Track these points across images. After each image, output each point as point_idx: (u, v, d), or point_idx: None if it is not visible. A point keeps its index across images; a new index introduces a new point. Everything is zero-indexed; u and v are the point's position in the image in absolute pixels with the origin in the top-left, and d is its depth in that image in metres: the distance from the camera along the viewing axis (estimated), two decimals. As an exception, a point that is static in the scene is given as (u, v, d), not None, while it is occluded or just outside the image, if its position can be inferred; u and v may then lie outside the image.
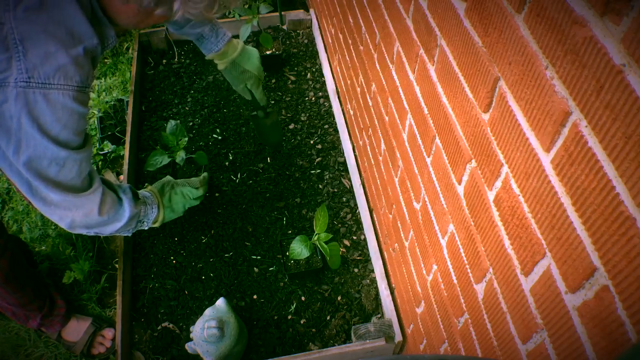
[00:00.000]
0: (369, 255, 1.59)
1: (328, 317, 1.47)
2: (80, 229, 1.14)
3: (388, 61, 1.13)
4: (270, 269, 1.58)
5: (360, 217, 1.67)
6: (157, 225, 1.36)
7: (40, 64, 0.87)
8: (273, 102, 2.05)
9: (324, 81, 2.09)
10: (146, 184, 1.34)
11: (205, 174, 1.58)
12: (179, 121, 1.74)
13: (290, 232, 1.65)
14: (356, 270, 1.56)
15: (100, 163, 2.07)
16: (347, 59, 1.67)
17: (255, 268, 1.58)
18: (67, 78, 0.90)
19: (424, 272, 1.08)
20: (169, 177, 1.45)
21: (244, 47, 1.52)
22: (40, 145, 0.94)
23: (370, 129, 1.47)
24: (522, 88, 0.56)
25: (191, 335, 1.33)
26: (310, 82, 2.11)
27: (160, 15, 0.95)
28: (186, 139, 1.64)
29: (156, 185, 1.40)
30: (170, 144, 1.62)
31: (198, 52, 2.25)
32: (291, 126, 1.96)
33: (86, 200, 1.09)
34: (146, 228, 1.32)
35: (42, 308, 1.55)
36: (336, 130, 1.93)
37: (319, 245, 1.40)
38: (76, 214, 1.09)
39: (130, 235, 1.31)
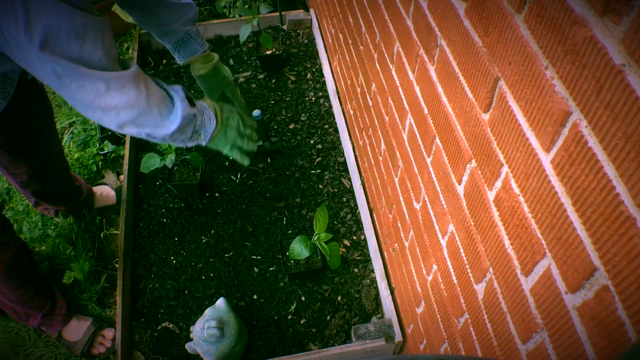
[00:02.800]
0: (369, 255, 1.59)
1: (328, 317, 1.47)
2: (130, 127, 0.99)
3: (388, 61, 1.13)
4: (270, 269, 1.58)
5: (360, 217, 1.67)
6: (212, 145, 1.19)
7: None
8: (273, 102, 2.05)
9: (324, 81, 2.09)
10: (204, 96, 1.18)
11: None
12: None
13: (290, 232, 1.65)
14: (356, 270, 1.56)
15: (100, 163, 2.07)
16: (347, 59, 1.67)
17: (255, 268, 1.58)
18: None
19: (424, 272, 1.08)
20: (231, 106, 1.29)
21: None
22: (53, 10, 0.80)
23: (370, 129, 1.47)
24: (522, 88, 0.56)
25: (191, 335, 1.33)
26: (310, 82, 2.11)
27: None
28: None
29: (219, 104, 1.23)
30: (162, 147, 1.62)
31: (198, 52, 2.24)
32: (291, 126, 1.96)
33: (124, 80, 0.93)
34: (203, 144, 1.15)
35: (43, 307, 1.55)
36: (336, 130, 1.93)
37: (319, 245, 1.40)
38: (118, 100, 0.93)
39: (186, 147, 1.14)
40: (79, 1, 0.84)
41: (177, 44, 1.37)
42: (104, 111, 0.95)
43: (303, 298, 1.51)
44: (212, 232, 1.66)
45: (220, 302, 1.37)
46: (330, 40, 2.02)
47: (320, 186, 1.76)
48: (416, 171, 1.04)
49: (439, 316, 1.03)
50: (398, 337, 1.34)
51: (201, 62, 1.40)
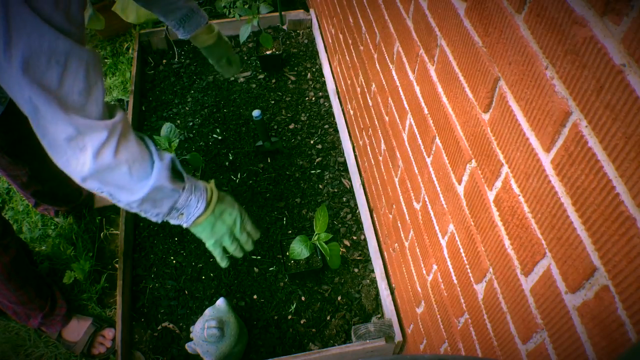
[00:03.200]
0: (369, 255, 1.59)
1: (328, 317, 1.47)
2: (91, 181, 0.87)
3: (388, 61, 1.13)
4: (270, 269, 1.58)
5: (360, 217, 1.67)
6: (195, 230, 1.06)
7: None
8: (273, 102, 2.05)
9: (324, 81, 2.09)
10: (210, 180, 1.08)
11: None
12: (174, 125, 1.75)
13: (290, 232, 1.65)
14: (356, 270, 1.56)
15: (100, 163, 2.07)
16: (347, 59, 1.67)
17: (255, 268, 1.58)
18: None
19: (424, 272, 1.08)
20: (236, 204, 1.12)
21: None
22: (34, 30, 0.74)
23: (370, 129, 1.47)
24: (522, 88, 0.56)
25: (191, 335, 1.33)
26: (310, 82, 2.11)
27: None
28: (177, 141, 1.65)
29: (220, 193, 1.08)
30: (163, 147, 1.62)
31: (197, 52, 2.24)
32: (291, 126, 1.96)
33: (99, 127, 0.83)
34: (185, 225, 1.02)
35: (43, 307, 1.55)
36: (336, 130, 1.93)
37: (319, 245, 1.40)
38: (86, 147, 0.83)
39: (159, 222, 1.02)
40: (67, 27, 0.78)
41: (182, 20, 1.41)
42: (69, 158, 0.85)
43: (303, 298, 1.51)
44: (212, 232, 1.66)
45: (220, 302, 1.37)
46: (330, 40, 2.02)
47: (320, 186, 1.76)
48: (416, 171, 1.04)
49: (439, 316, 1.03)
50: (398, 337, 1.34)
51: (207, 32, 1.47)
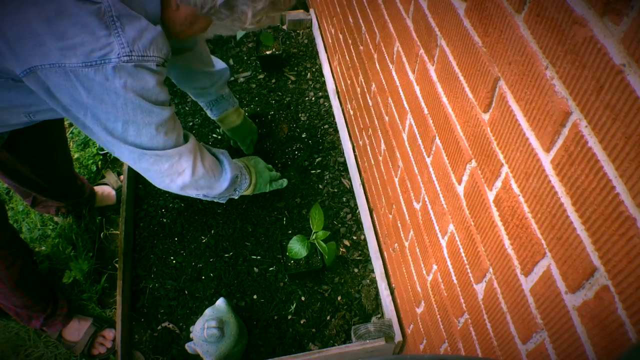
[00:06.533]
0: (369, 255, 1.59)
1: (328, 317, 1.47)
2: (190, 190, 1.19)
3: (388, 61, 1.13)
4: (270, 269, 1.58)
5: (360, 217, 1.67)
6: (249, 192, 1.43)
7: (138, 37, 0.90)
8: (273, 102, 2.05)
9: (324, 81, 2.09)
10: (243, 158, 1.49)
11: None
12: None
13: (290, 232, 1.65)
14: (356, 270, 1.56)
15: (100, 163, 2.08)
16: (347, 59, 1.67)
17: (255, 268, 1.58)
18: (158, 50, 0.95)
19: (424, 272, 1.08)
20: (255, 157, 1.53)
21: None
22: (149, 113, 0.98)
23: (370, 129, 1.47)
24: (522, 88, 0.56)
25: (191, 335, 1.33)
26: (310, 82, 2.11)
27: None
28: None
29: (243, 159, 1.48)
30: None
31: (198, 52, 2.24)
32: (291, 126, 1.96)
33: (187, 151, 1.12)
34: (236, 197, 1.38)
35: (45, 309, 1.55)
36: (336, 130, 1.93)
37: (317, 244, 1.40)
38: (184, 169, 1.13)
39: (224, 202, 1.37)
40: (163, 99, 1.02)
41: (211, 103, 1.61)
42: (172, 179, 1.14)
43: (303, 298, 1.51)
44: (212, 232, 1.66)
45: (220, 302, 1.37)
46: (330, 40, 2.02)
47: (320, 186, 1.76)
48: (416, 171, 1.04)
49: (439, 316, 1.03)
50: (398, 337, 1.34)
51: (237, 114, 1.65)
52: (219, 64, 1.54)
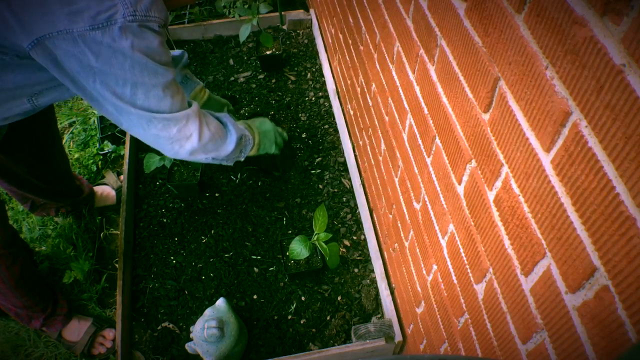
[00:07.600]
0: (369, 255, 1.59)
1: (328, 317, 1.47)
2: (199, 154, 1.22)
3: (388, 61, 1.13)
4: (270, 269, 1.58)
5: (360, 217, 1.67)
6: (253, 153, 1.47)
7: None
8: (273, 102, 2.05)
9: (324, 81, 2.09)
10: (247, 120, 1.52)
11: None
12: None
13: (290, 232, 1.65)
14: (356, 270, 1.56)
15: (100, 163, 2.08)
16: (347, 59, 1.67)
17: (255, 268, 1.58)
18: (159, 11, 0.98)
19: (424, 272, 1.08)
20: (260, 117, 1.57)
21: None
22: (155, 73, 1.00)
23: (370, 129, 1.47)
24: (522, 88, 0.56)
25: (191, 335, 1.33)
26: (310, 82, 2.11)
27: None
28: None
29: (247, 120, 1.52)
30: None
31: (197, 53, 2.25)
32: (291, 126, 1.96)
33: (193, 115, 1.14)
34: (242, 159, 1.41)
35: (45, 309, 1.55)
36: (336, 130, 1.93)
37: (318, 245, 1.40)
38: (192, 133, 1.15)
39: (231, 164, 1.40)
40: (167, 60, 1.03)
41: (181, 84, 1.60)
42: (181, 145, 1.16)
43: (303, 298, 1.51)
44: (212, 232, 1.66)
45: (220, 302, 1.37)
46: (330, 40, 2.02)
47: (320, 186, 1.76)
48: (416, 171, 1.04)
49: (439, 316, 1.03)
50: (398, 337, 1.34)
51: (202, 93, 1.66)
52: (176, 52, 1.59)
